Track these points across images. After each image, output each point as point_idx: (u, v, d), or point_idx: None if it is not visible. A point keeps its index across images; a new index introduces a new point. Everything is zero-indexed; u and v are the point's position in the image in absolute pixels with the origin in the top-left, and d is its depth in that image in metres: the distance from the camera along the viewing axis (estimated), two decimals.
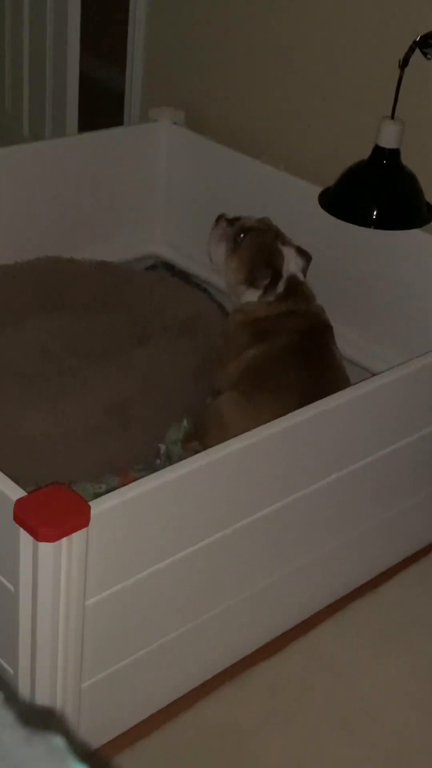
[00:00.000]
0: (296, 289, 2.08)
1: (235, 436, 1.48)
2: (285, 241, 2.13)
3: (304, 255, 2.12)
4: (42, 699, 1.41)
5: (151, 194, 2.63)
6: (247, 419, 1.76)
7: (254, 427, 1.50)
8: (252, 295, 2.09)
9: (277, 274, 2.06)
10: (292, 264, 2.10)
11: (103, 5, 3.56)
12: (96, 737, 1.58)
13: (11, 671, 1.43)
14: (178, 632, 1.59)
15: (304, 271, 2.12)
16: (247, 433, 1.50)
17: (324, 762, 1.62)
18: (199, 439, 2.01)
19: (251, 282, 2.07)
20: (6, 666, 1.45)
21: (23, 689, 1.42)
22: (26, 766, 0.45)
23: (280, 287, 2.07)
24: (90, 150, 2.48)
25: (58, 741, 0.49)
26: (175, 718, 1.65)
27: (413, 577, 1.99)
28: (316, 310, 2.09)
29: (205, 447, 1.50)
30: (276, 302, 2.07)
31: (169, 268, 2.65)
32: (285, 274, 2.08)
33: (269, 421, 1.52)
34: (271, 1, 2.45)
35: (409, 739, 1.67)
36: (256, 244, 2.11)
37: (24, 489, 1.33)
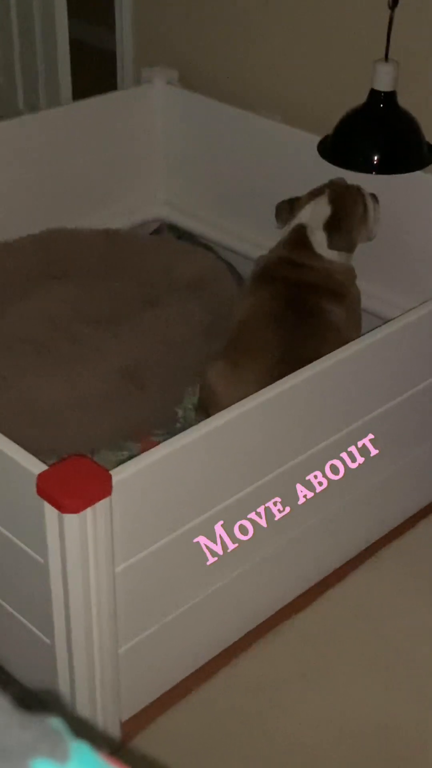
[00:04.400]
0: (302, 238, 2.06)
1: (227, 406, 1.49)
2: (331, 198, 2.06)
3: (335, 215, 2.05)
4: (79, 666, 1.45)
5: (151, 156, 2.62)
6: (233, 388, 1.77)
7: (241, 397, 1.50)
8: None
9: (290, 209, 2.07)
10: (308, 215, 2.07)
11: None
12: (136, 701, 1.61)
13: (48, 642, 1.47)
14: (208, 592, 1.61)
15: (331, 226, 2.05)
16: (262, 391, 1.52)
17: (364, 709, 1.65)
18: (201, 411, 2.00)
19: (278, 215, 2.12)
20: (43, 637, 1.48)
21: (60, 659, 1.46)
22: (18, 749, 0.46)
23: (287, 230, 2.07)
24: (85, 118, 2.48)
25: (56, 722, 0.50)
26: (214, 676, 1.69)
27: None
28: (321, 267, 2.05)
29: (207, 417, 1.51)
30: (279, 247, 2.07)
31: (175, 230, 2.65)
32: (296, 220, 2.07)
33: (252, 391, 1.52)
34: None
35: None
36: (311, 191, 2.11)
37: (44, 460, 1.36)
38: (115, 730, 1.56)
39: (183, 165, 2.61)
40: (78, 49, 3.18)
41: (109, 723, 1.54)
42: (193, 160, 2.58)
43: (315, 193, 2.09)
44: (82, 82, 3.11)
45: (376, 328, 1.72)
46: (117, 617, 1.45)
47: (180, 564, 1.53)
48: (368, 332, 1.71)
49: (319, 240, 2.05)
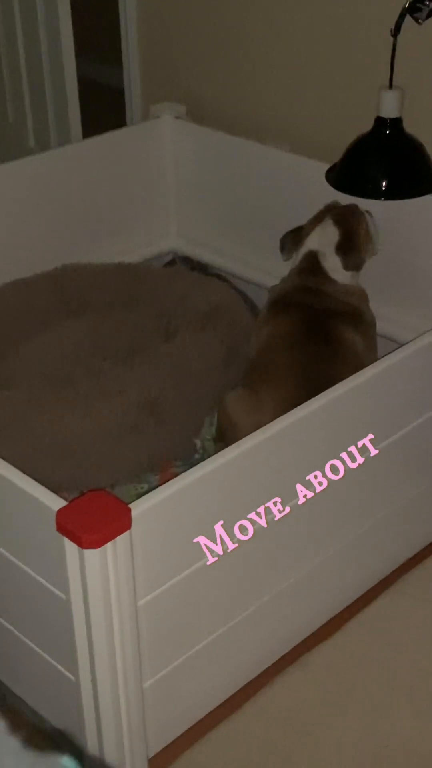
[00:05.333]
0: (314, 265, 2.08)
1: (245, 434, 1.49)
2: (336, 220, 2.09)
3: (345, 237, 2.08)
4: (105, 703, 1.44)
5: (162, 190, 2.64)
6: (252, 415, 1.77)
7: (259, 425, 1.50)
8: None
9: (295, 239, 2.09)
10: (316, 240, 2.09)
11: (93, 6, 3.58)
12: (163, 736, 1.60)
13: (72, 678, 1.46)
14: (233, 623, 1.61)
15: (342, 250, 2.08)
16: (278, 419, 1.52)
17: (393, 736, 1.63)
18: (220, 440, 2.00)
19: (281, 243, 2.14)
20: (67, 673, 1.48)
21: (85, 695, 1.45)
22: None
23: (297, 259, 2.08)
24: (96, 154, 2.50)
25: (67, 761, 0.49)
26: (240, 708, 1.68)
27: None
28: (338, 292, 2.07)
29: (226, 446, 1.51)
30: (293, 275, 2.08)
31: (188, 262, 2.66)
32: (304, 248, 2.09)
33: (271, 419, 1.52)
34: None
35: None
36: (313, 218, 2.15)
37: (66, 494, 1.36)
38: (142, 766, 1.55)
39: (194, 197, 2.63)
40: (87, 87, 3.21)
41: (137, 759, 1.53)
42: (204, 192, 2.60)
43: (317, 220, 2.11)
44: (92, 119, 3.14)
45: (392, 351, 1.72)
46: (141, 651, 1.44)
47: (203, 596, 1.53)
48: (384, 356, 1.71)
49: (332, 264, 2.07)
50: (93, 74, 3.76)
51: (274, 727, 1.65)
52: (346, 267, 2.07)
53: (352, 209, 2.12)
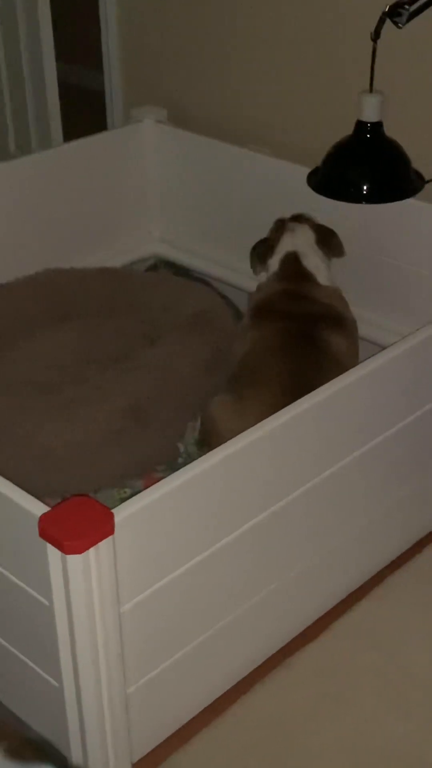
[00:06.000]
0: (295, 266, 2.08)
1: (230, 439, 1.49)
2: (302, 221, 2.14)
3: (320, 229, 2.12)
4: (88, 708, 1.44)
5: (143, 194, 2.64)
6: (237, 421, 1.77)
7: (243, 430, 1.50)
8: (262, 276, 2.14)
9: (265, 251, 2.10)
10: (291, 243, 2.09)
11: (74, 10, 3.57)
12: (147, 741, 1.60)
13: (56, 684, 1.46)
14: (216, 627, 1.61)
15: (325, 245, 2.12)
16: (263, 422, 1.52)
17: (380, 741, 1.63)
18: (204, 445, 2.00)
19: (251, 259, 2.14)
20: (50, 680, 1.47)
21: (69, 701, 1.45)
22: None
23: (275, 264, 2.08)
24: (77, 158, 2.50)
25: None
26: (224, 712, 1.68)
27: None
28: (322, 296, 2.07)
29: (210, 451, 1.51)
30: (273, 281, 2.08)
31: (170, 266, 2.66)
32: (280, 252, 2.09)
33: (255, 422, 1.52)
34: None
35: None
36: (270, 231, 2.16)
37: (51, 500, 1.36)
38: None
39: (175, 201, 2.63)
40: (67, 91, 3.20)
41: (121, 764, 1.53)
42: (185, 196, 2.60)
43: (279, 231, 2.13)
44: (73, 123, 3.14)
45: (372, 354, 1.72)
46: (124, 657, 1.44)
47: (187, 601, 1.53)
48: (366, 359, 1.71)
49: (314, 263, 2.08)
50: (74, 78, 3.75)
51: (259, 730, 1.65)
52: (334, 253, 2.11)
53: (303, 214, 2.17)
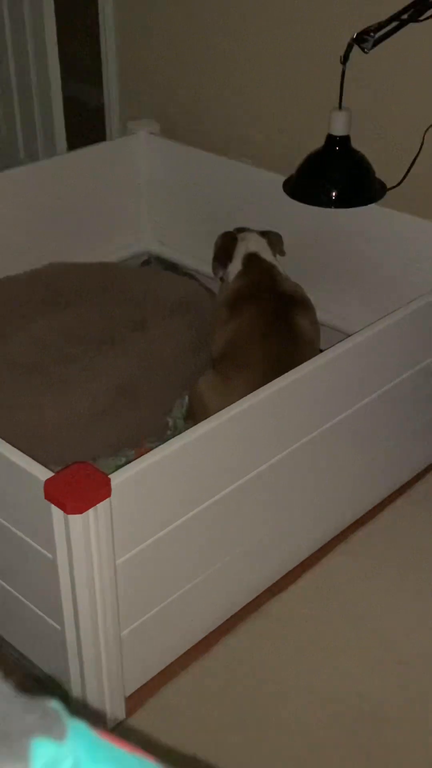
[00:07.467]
0: (255, 264, 2.09)
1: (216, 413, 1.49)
2: (249, 230, 2.16)
3: (267, 234, 2.13)
4: (87, 649, 1.44)
5: (138, 198, 2.63)
6: (223, 398, 1.77)
7: (229, 404, 1.50)
8: (227, 276, 2.15)
9: (225, 252, 2.11)
10: (247, 245, 2.11)
11: (77, 32, 3.54)
12: (138, 677, 1.61)
13: (58, 628, 1.46)
14: (199, 579, 1.61)
15: (274, 246, 2.13)
16: (243, 399, 1.52)
17: (341, 682, 1.64)
18: (190, 419, 2.00)
19: (213, 266, 2.16)
20: (53, 623, 1.48)
21: (70, 642, 1.45)
22: (19, 731, 0.45)
23: (237, 265, 2.09)
24: (79, 166, 2.49)
25: (55, 704, 0.48)
26: (206, 652, 1.68)
27: (409, 503, 2.00)
28: (287, 285, 2.07)
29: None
30: (238, 278, 2.09)
31: (161, 261, 2.65)
32: (240, 254, 2.09)
33: (240, 398, 1.52)
34: (224, 21, 2.44)
35: (422, 656, 1.68)
36: (219, 239, 2.18)
37: (53, 467, 1.35)
38: (120, 704, 1.56)
39: (166, 204, 2.62)
40: (71, 105, 3.18)
41: (115, 697, 1.54)
42: (175, 200, 2.59)
43: (234, 239, 2.15)
44: (76, 134, 3.12)
45: (341, 340, 1.72)
46: (119, 604, 1.44)
47: (174, 555, 1.53)
48: (336, 344, 1.71)
49: (272, 260, 2.12)
50: (77, 93, 3.72)
51: (237, 668, 1.66)
52: (281, 253, 2.14)
53: (245, 227, 2.20)
